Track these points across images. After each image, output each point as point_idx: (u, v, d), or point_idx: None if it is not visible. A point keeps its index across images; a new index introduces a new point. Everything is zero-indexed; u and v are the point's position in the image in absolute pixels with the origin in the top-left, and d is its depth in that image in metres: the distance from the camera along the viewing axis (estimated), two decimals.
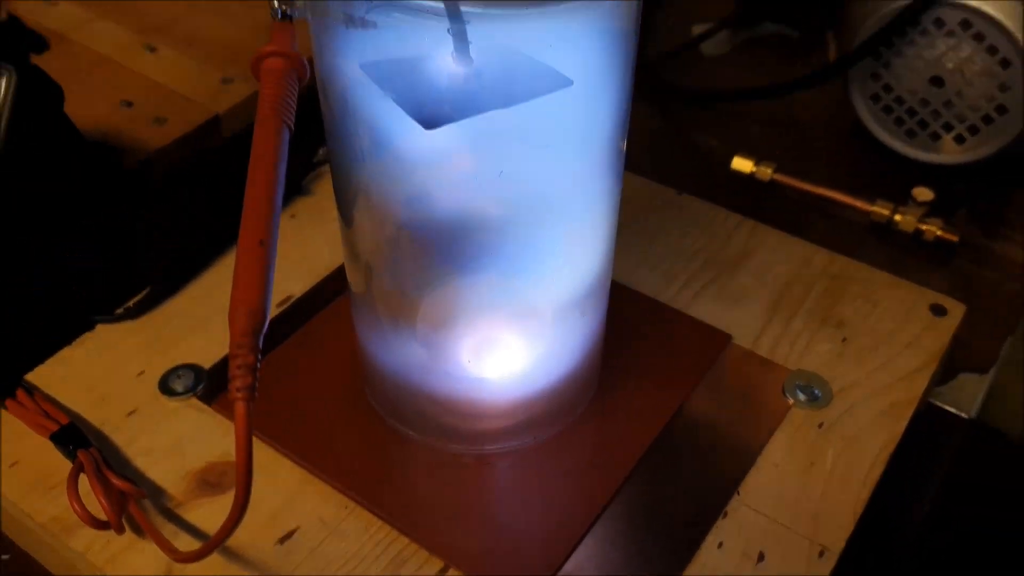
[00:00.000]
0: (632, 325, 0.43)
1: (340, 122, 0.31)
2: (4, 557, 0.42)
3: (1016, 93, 0.53)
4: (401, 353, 0.37)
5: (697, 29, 0.72)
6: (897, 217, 0.55)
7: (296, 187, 0.50)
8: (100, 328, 0.43)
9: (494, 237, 0.32)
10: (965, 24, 0.53)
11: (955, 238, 0.54)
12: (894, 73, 0.57)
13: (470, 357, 0.36)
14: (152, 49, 0.62)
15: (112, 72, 0.60)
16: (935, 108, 0.56)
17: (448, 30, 0.28)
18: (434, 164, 0.30)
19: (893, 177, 0.59)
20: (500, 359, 0.37)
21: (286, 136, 0.26)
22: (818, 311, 0.44)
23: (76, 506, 0.34)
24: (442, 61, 0.29)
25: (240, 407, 0.24)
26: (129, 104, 0.57)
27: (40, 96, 0.46)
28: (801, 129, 0.65)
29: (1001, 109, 0.54)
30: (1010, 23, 0.52)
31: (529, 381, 0.37)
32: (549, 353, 0.37)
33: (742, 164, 0.59)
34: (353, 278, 0.37)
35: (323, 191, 0.50)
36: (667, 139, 0.64)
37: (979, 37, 0.53)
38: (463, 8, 0.27)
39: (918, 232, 0.55)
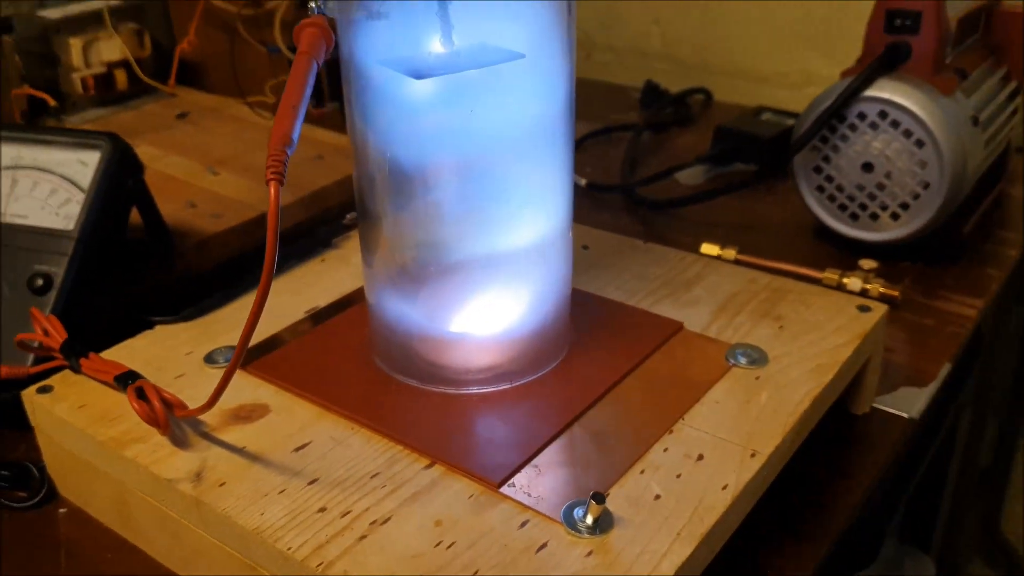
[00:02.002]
0: (599, 317, 0.51)
1: (357, 93, 0.42)
2: (62, 511, 0.49)
3: (933, 168, 0.63)
4: (396, 310, 0.46)
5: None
6: (845, 280, 0.64)
7: (327, 243, 0.60)
8: (159, 328, 0.52)
9: (469, 172, 0.42)
10: (882, 114, 0.64)
11: (896, 293, 0.63)
12: (833, 165, 0.67)
13: (448, 314, 0.45)
14: (215, 173, 0.74)
15: (181, 186, 0.72)
16: (870, 191, 0.66)
17: (436, 13, 0.40)
18: (426, 108, 0.40)
19: (849, 260, 0.68)
20: (476, 312, 0.45)
21: (313, 64, 0.37)
22: (759, 310, 0.52)
23: (137, 406, 0.42)
24: (432, 49, 0.40)
25: (273, 185, 0.33)
26: (193, 205, 0.69)
27: (128, 164, 0.58)
28: (767, 231, 0.74)
29: (924, 184, 0.64)
30: (917, 109, 0.62)
31: (502, 334, 0.46)
32: (518, 304, 0.45)
33: (709, 248, 0.69)
34: (363, 241, 0.46)
35: (347, 247, 0.60)
36: (647, 240, 0.74)
37: (895, 124, 0.64)
38: None
39: (864, 291, 0.63)
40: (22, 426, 0.50)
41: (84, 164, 0.57)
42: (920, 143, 0.63)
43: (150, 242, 0.62)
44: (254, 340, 0.50)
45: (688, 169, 0.82)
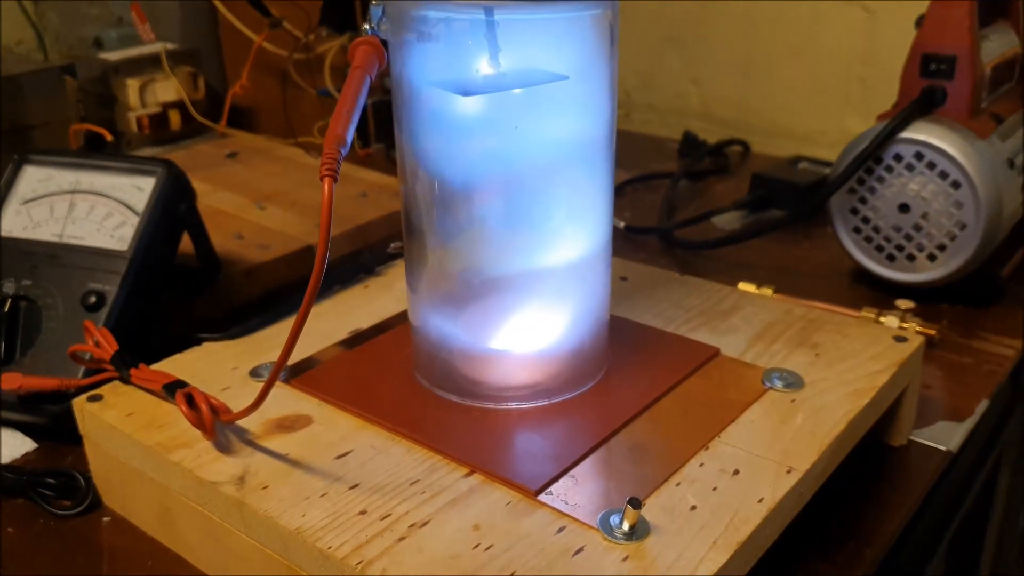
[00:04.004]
0: (636, 342, 0.52)
1: (407, 114, 0.44)
2: (105, 520, 0.50)
3: (969, 209, 0.64)
4: (438, 326, 0.47)
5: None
6: (882, 319, 0.64)
7: (370, 271, 0.61)
8: (206, 344, 0.54)
9: (512, 191, 0.43)
10: (918, 156, 0.65)
11: (933, 332, 0.63)
12: (869, 206, 0.68)
13: (490, 330, 0.46)
14: (262, 207, 0.77)
15: (229, 219, 0.74)
16: (907, 232, 0.67)
17: (484, 35, 0.41)
18: (472, 128, 0.42)
19: (886, 302, 0.68)
20: (517, 330, 0.46)
21: (366, 78, 0.39)
22: (795, 339, 0.53)
23: (185, 410, 0.43)
24: (480, 70, 0.42)
25: (327, 182, 0.34)
26: (241, 237, 0.71)
27: (181, 189, 0.60)
28: (805, 273, 0.75)
29: (961, 225, 0.64)
30: (953, 150, 0.63)
31: (542, 352, 0.47)
32: (558, 322, 0.46)
33: (747, 286, 0.69)
34: (409, 259, 0.47)
35: (390, 274, 0.62)
36: None
37: (931, 165, 0.64)
38: (496, 14, 0.41)
39: (901, 329, 0.63)
40: (71, 438, 0.51)
41: (139, 189, 0.59)
42: (956, 184, 0.64)
43: (200, 267, 0.63)
44: (297, 357, 0.52)
45: (725, 214, 0.84)
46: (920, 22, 0.71)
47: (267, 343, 0.54)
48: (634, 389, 0.48)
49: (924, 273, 0.67)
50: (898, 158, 0.66)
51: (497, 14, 0.41)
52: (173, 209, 0.60)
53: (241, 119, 0.94)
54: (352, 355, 0.52)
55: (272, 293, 0.68)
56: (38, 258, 0.58)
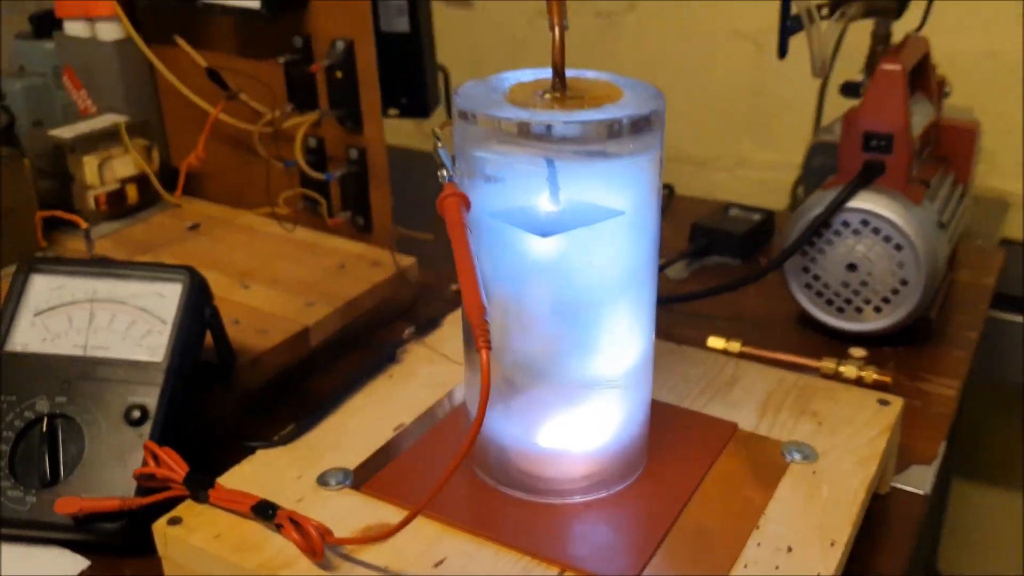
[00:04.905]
0: (665, 422, 0.58)
1: (479, 241, 0.48)
2: None
3: (911, 268, 0.72)
4: (505, 430, 0.51)
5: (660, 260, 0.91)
6: (841, 368, 0.72)
7: (392, 358, 0.65)
8: (260, 452, 0.56)
9: (566, 310, 0.48)
10: (864, 222, 0.73)
11: (888, 379, 0.71)
12: (820, 265, 0.76)
13: (552, 432, 0.51)
14: (246, 286, 0.78)
15: (219, 303, 0.75)
16: (854, 288, 0.75)
17: (547, 178, 0.46)
18: (531, 255, 0.47)
19: (834, 346, 0.77)
20: (574, 430, 0.51)
21: (468, 230, 0.43)
22: (796, 408, 0.60)
23: (296, 536, 0.46)
24: (540, 205, 0.47)
25: (484, 352, 0.38)
26: (237, 322, 0.73)
27: (204, 293, 0.62)
28: (755, 321, 0.83)
29: (903, 281, 0.73)
30: (896, 218, 0.72)
31: (595, 451, 0.52)
32: (613, 421, 0.51)
33: (716, 342, 0.76)
34: (468, 363, 0.52)
35: (410, 359, 0.65)
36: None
37: (876, 231, 0.73)
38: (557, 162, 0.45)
39: (859, 378, 0.72)
40: (123, 551, 0.53)
41: (162, 296, 0.61)
42: (899, 247, 0.72)
43: (217, 363, 0.65)
44: (357, 460, 0.55)
45: (673, 265, 0.90)
46: (849, 91, 0.79)
47: (319, 447, 0.57)
48: (679, 473, 0.53)
49: (870, 323, 0.76)
50: (845, 224, 0.74)
51: (558, 162, 0.46)
52: (200, 314, 0.61)
53: (190, 186, 0.94)
54: (410, 455, 0.56)
55: (274, 379, 0.70)
56: (69, 374, 0.59)
